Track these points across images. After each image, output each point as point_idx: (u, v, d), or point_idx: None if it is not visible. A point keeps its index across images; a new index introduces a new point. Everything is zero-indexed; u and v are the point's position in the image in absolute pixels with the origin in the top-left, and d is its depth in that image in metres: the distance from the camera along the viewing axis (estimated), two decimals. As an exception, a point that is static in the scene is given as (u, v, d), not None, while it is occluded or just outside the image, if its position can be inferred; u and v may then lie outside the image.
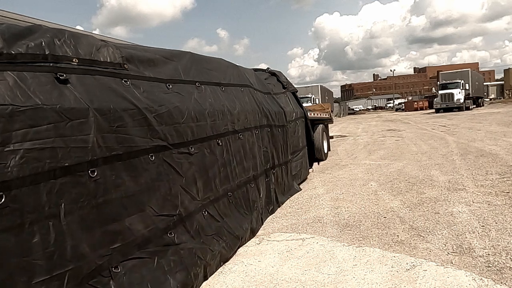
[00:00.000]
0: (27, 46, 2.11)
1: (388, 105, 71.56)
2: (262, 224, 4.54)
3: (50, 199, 1.98)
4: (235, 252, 3.69)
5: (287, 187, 5.83)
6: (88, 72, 2.47)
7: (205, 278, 3.14)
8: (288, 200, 5.65)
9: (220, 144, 3.77)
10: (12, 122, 1.88)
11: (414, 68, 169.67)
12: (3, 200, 1.77)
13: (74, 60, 2.38)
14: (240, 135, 4.26)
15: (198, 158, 3.35)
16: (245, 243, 3.93)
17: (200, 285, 3.04)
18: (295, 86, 8.01)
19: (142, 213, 2.60)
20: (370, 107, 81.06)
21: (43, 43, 2.21)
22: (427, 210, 4.47)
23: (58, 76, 2.22)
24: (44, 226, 1.94)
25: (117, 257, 2.33)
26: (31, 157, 1.91)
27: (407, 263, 3.09)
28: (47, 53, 2.21)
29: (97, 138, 2.31)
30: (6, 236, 1.78)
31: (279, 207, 5.26)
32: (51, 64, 2.21)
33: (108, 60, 2.68)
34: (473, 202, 4.60)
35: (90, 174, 2.23)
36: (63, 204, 2.04)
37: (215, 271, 3.29)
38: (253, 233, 4.17)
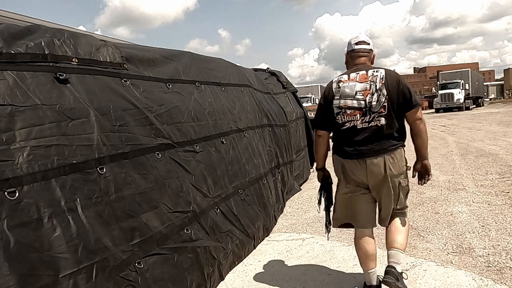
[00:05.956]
0: (27, 45, 2.11)
1: (388, 105, 71.38)
2: (276, 222, 4.54)
3: (65, 194, 1.99)
4: (248, 250, 3.68)
5: (290, 186, 5.83)
6: (87, 71, 2.47)
7: (221, 277, 3.13)
8: (288, 200, 5.65)
9: (225, 142, 3.78)
10: (14, 121, 1.88)
11: (414, 68, 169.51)
12: (16, 195, 1.78)
13: (73, 59, 2.38)
14: (245, 133, 4.30)
15: (204, 156, 3.36)
16: (260, 242, 3.92)
17: (217, 285, 3.04)
18: (295, 86, 8.02)
19: (157, 210, 2.60)
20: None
21: (42, 43, 2.21)
22: (427, 210, 4.47)
23: (58, 75, 2.22)
24: (64, 220, 1.95)
25: (138, 253, 2.33)
26: (38, 154, 1.93)
27: (407, 263, 3.08)
28: (46, 52, 2.20)
29: (101, 137, 2.32)
30: (24, 230, 1.78)
31: (284, 206, 5.25)
32: (50, 64, 2.21)
33: (108, 60, 2.69)
34: (473, 202, 4.59)
35: (99, 171, 2.24)
36: (78, 199, 2.05)
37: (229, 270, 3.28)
38: (267, 231, 4.17)
